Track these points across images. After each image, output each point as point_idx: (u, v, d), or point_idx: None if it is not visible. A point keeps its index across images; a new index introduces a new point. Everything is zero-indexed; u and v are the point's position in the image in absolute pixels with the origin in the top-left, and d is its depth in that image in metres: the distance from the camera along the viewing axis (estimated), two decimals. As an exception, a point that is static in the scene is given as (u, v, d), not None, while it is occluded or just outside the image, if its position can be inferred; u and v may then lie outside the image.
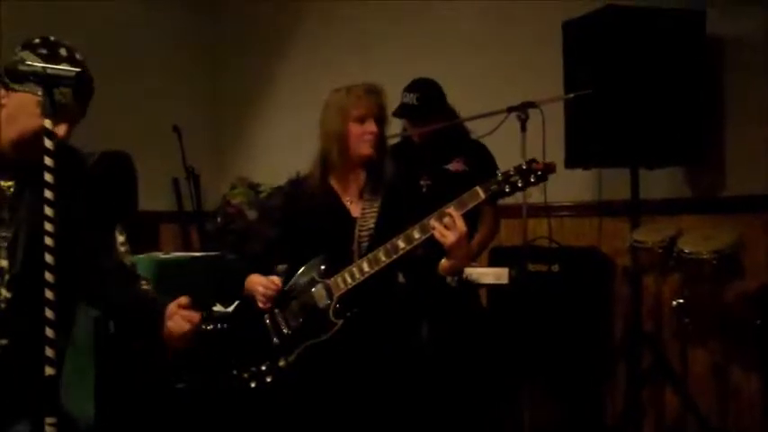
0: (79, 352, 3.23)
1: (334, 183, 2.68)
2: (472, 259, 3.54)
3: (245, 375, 2.59)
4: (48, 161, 1.66)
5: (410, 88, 3.71)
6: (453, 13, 4.83)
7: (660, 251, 3.60)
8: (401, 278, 2.73)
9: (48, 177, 1.66)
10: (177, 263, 4.10)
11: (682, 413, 3.90)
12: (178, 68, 5.68)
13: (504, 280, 3.50)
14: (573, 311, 3.99)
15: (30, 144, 2.00)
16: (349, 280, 2.51)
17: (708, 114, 3.89)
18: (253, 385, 2.58)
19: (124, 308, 2.27)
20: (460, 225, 2.38)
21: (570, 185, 4.12)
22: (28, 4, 4.59)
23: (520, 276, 3.59)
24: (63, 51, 2.04)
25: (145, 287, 2.30)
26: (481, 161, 3.65)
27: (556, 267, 4.06)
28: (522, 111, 3.43)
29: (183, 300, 2.21)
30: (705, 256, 3.46)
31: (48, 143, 1.67)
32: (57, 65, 1.88)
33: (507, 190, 2.42)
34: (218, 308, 3.47)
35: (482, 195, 2.41)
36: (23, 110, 2.02)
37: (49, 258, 1.64)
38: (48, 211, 1.65)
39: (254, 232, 3.13)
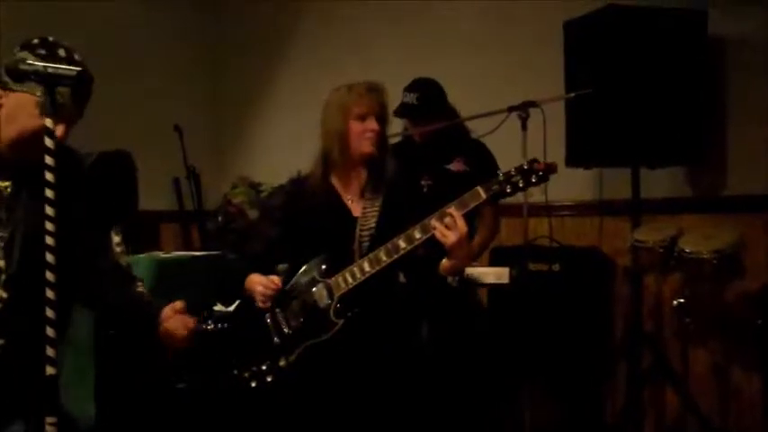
0: (79, 352, 3.23)
1: (335, 181, 2.68)
2: (473, 259, 3.54)
3: (246, 375, 2.58)
4: (49, 160, 1.66)
5: (410, 88, 3.71)
6: (453, 13, 4.82)
7: (661, 251, 3.60)
8: (402, 278, 2.73)
9: (49, 176, 1.66)
10: (178, 262, 4.10)
11: (682, 413, 3.90)
12: (179, 68, 5.68)
13: (505, 279, 3.50)
14: (573, 311, 3.99)
15: (28, 144, 2.00)
16: (350, 280, 2.51)
17: (709, 114, 3.89)
18: (253, 385, 2.57)
19: (120, 309, 2.28)
20: (461, 225, 2.38)
21: (571, 185, 4.12)
22: (28, 4, 4.59)
23: (521, 276, 3.59)
24: (62, 52, 2.04)
25: (140, 289, 2.30)
26: (482, 161, 3.65)
27: (556, 267, 4.06)
28: (522, 110, 3.44)
29: (179, 304, 2.21)
30: (706, 256, 3.46)
31: (48, 142, 1.67)
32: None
33: (508, 190, 2.41)
34: (218, 307, 3.46)
35: (483, 195, 2.41)
36: (22, 110, 2.02)
37: (49, 257, 1.64)
38: (48, 210, 1.65)
39: (255, 232, 3.12)
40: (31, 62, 1.78)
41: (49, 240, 1.65)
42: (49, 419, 1.68)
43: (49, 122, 1.68)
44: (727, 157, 3.99)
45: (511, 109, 3.46)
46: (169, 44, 5.62)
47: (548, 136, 3.37)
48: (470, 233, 2.55)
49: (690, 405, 3.78)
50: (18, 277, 2.05)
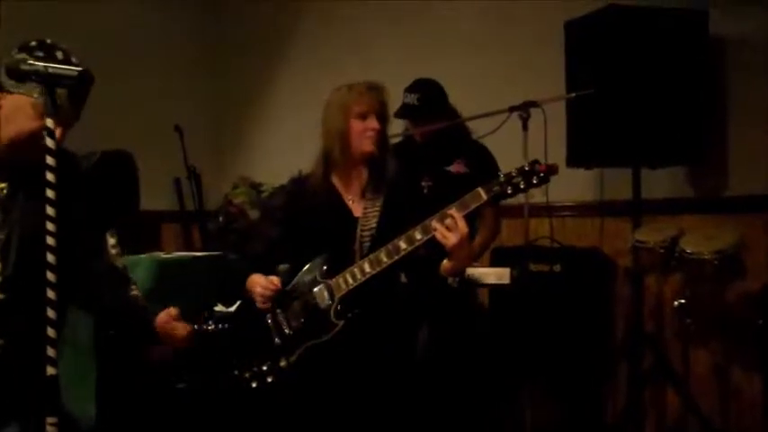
0: (80, 352, 3.23)
1: (336, 181, 2.67)
2: (473, 260, 3.54)
3: (246, 375, 2.58)
4: (50, 160, 1.66)
5: (411, 89, 3.71)
6: (453, 13, 4.82)
7: (662, 251, 3.60)
8: (403, 278, 2.73)
9: (49, 176, 1.66)
10: (179, 262, 4.10)
11: (683, 414, 3.90)
12: (179, 68, 5.67)
13: (506, 280, 3.50)
14: (574, 311, 3.99)
15: (24, 145, 2.01)
16: (350, 281, 2.51)
17: (710, 114, 3.89)
18: (254, 385, 2.57)
19: (115, 311, 2.28)
20: (462, 226, 2.37)
21: (572, 185, 4.11)
22: (28, 4, 4.59)
23: (521, 276, 3.59)
24: (59, 54, 2.04)
25: (134, 292, 2.30)
26: (482, 163, 3.64)
27: (557, 267, 4.06)
28: (523, 110, 3.44)
29: (173, 311, 2.21)
30: (707, 257, 3.46)
31: (49, 142, 1.67)
32: None
33: (509, 191, 2.40)
34: (219, 308, 3.46)
35: (484, 197, 2.40)
36: (19, 111, 2.02)
37: (50, 258, 1.64)
38: (49, 210, 1.65)
39: (256, 232, 3.12)
40: (31, 62, 1.78)
41: (50, 240, 1.64)
42: (50, 419, 1.68)
43: (49, 123, 1.68)
44: (727, 157, 3.99)
45: (512, 109, 3.46)
46: (169, 44, 5.62)
47: (548, 136, 3.37)
48: (471, 234, 2.55)
49: (690, 405, 3.78)
50: (15, 279, 2.05)
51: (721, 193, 4.01)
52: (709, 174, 4.02)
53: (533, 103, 3.46)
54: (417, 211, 2.47)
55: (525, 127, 3.41)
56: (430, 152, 3.70)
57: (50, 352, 1.64)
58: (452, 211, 2.39)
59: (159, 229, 5.52)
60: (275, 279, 2.58)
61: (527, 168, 2.40)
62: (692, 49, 3.77)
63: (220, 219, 5.22)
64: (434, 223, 2.40)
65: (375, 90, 2.63)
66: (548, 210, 3.81)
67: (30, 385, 1.98)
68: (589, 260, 4.17)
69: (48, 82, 1.71)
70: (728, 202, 3.95)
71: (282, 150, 5.06)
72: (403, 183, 2.70)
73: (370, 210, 2.62)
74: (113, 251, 2.28)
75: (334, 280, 2.53)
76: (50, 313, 1.64)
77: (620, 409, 4.06)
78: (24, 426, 2.03)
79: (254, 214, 5.00)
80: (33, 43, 2.04)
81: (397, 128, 3.53)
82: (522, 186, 2.40)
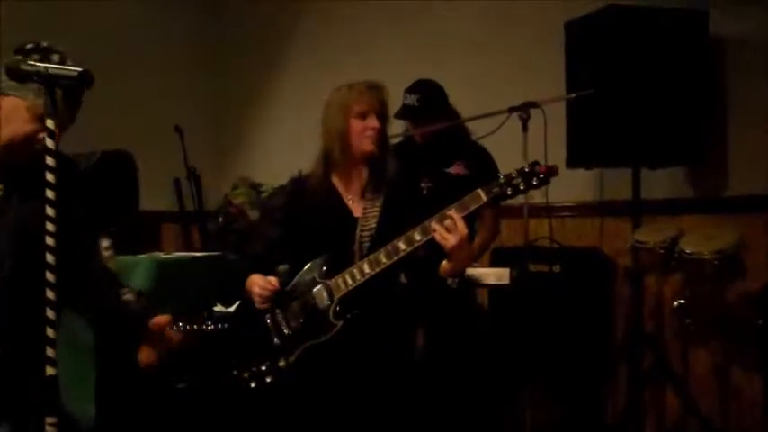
0: (79, 352, 3.22)
1: (336, 181, 2.67)
2: (473, 261, 3.54)
3: (246, 375, 2.58)
4: (49, 160, 1.66)
5: (411, 90, 3.71)
6: (453, 13, 4.82)
7: (661, 251, 3.60)
8: (403, 278, 2.73)
9: (49, 177, 1.66)
10: (178, 263, 4.10)
11: (683, 414, 3.89)
12: (179, 68, 5.67)
13: (506, 280, 3.50)
14: (574, 312, 3.99)
15: (19, 148, 2.01)
16: (349, 281, 2.51)
17: (709, 114, 3.89)
18: (253, 385, 2.57)
19: (109, 314, 2.27)
20: (461, 228, 2.37)
21: (572, 185, 4.11)
22: (28, 4, 4.58)
23: (521, 277, 3.59)
24: (56, 57, 2.03)
25: (127, 296, 2.29)
26: (482, 166, 3.64)
27: (557, 268, 4.06)
28: (523, 111, 3.43)
29: (164, 319, 2.20)
30: (707, 257, 3.46)
31: (49, 143, 1.67)
32: None
33: (509, 193, 2.40)
34: (219, 308, 3.46)
35: (484, 198, 2.39)
36: (15, 114, 2.02)
37: (49, 258, 1.64)
38: (49, 210, 1.65)
39: (256, 232, 3.12)
40: (32, 63, 1.78)
41: (49, 241, 1.64)
42: (49, 419, 1.68)
43: (50, 123, 1.68)
44: (727, 157, 3.99)
45: (512, 109, 3.46)
46: (169, 44, 5.61)
47: (548, 136, 3.37)
48: (471, 235, 2.55)
49: (690, 406, 3.78)
50: (10, 281, 2.05)
51: (721, 194, 4.01)
52: (709, 174, 4.02)
53: (533, 104, 3.46)
54: (417, 211, 2.47)
55: (525, 127, 3.41)
56: (430, 153, 3.70)
57: (50, 352, 1.65)
58: (452, 212, 2.38)
59: (159, 230, 5.52)
60: (273, 279, 2.58)
61: (527, 170, 2.39)
62: (691, 49, 3.77)
63: (220, 219, 5.22)
64: (434, 224, 2.39)
65: (375, 89, 2.63)
66: (547, 210, 3.81)
67: (23, 386, 1.99)
68: (589, 260, 4.17)
69: (48, 82, 1.71)
70: (728, 203, 3.95)
71: (282, 150, 5.06)
72: (403, 183, 2.69)
73: (369, 210, 2.62)
74: (107, 253, 2.28)
75: (333, 280, 2.53)
76: (50, 313, 1.64)
77: (620, 409, 4.06)
78: (16, 426, 2.03)
79: (253, 214, 5.00)
80: (29, 46, 2.03)
81: (396, 128, 3.53)
82: (521, 188, 2.39)
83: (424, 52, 4.84)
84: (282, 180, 2.84)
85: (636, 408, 3.97)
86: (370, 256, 2.48)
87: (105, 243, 2.28)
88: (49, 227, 1.65)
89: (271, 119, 5.75)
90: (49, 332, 1.64)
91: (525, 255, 3.75)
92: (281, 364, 2.55)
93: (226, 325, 2.39)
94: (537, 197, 3.44)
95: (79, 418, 2.43)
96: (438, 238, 2.38)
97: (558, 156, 3.52)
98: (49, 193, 1.65)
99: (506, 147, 3.43)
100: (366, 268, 2.48)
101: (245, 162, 5.75)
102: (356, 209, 2.63)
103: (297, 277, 2.60)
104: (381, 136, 2.62)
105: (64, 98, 1.97)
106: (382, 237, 2.51)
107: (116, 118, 4.87)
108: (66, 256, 1.66)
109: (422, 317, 3.35)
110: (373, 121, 2.59)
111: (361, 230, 2.59)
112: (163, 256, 4.18)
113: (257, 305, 2.58)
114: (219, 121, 5.92)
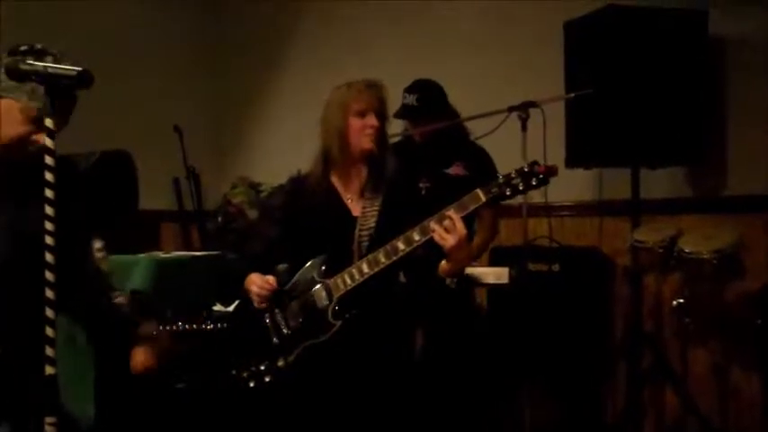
0: (79, 352, 3.22)
1: (335, 180, 2.67)
2: (472, 260, 3.54)
3: (245, 375, 2.58)
4: (48, 160, 1.66)
5: (410, 89, 3.71)
6: (453, 13, 4.82)
7: (661, 251, 3.60)
8: (402, 278, 2.73)
9: (48, 176, 1.66)
10: (178, 262, 4.10)
11: (682, 413, 3.90)
12: (179, 68, 5.68)
13: (505, 279, 3.51)
14: (573, 311, 3.99)
15: (13, 150, 2.01)
16: (348, 281, 2.51)
17: (709, 114, 3.89)
18: (252, 385, 2.57)
19: (101, 314, 2.28)
20: (460, 228, 2.37)
21: (571, 185, 4.12)
22: (28, 4, 4.59)
23: (520, 276, 3.59)
24: (49, 59, 2.02)
25: (118, 300, 2.29)
26: (481, 166, 3.63)
27: (556, 267, 4.06)
28: (523, 110, 3.43)
29: (152, 328, 2.20)
30: (706, 256, 3.46)
31: (49, 142, 1.67)
32: None
33: (508, 193, 2.39)
34: (218, 307, 3.46)
35: (483, 198, 2.39)
36: (7, 116, 2.02)
37: (48, 258, 1.64)
38: (48, 210, 1.65)
39: (255, 232, 3.12)
40: (31, 62, 1.78)
41: (49, 240, 1.64)
42: (49, 419, 1.68)
43: (49, 123, 1.68)
44: (727, 157, 3.99)
45: (511, 109, 3.46)
46: (169, 44, 5.62)
47: (548, 136, 3.37)
48: (469, 235, 2.55)
49: (689, 405, 3.78)
50: (9, 281, 2.05)
51: (720, 193, 4.02)
52: (709, 174, 4.02)
53: (532, 104, 3.46)
54: (416, 211, 2.47)
55: (524, 127, 3.41)
56: (429, 153, 3.70)
57: (49, 351, 1.65)
58: (451, 212, 2.38)
59: (158, 229, 5.52)
60: (271, 278, 2.58)
61: (526, 170, 2.39)
62: (691, 49, 3.77)
63: (219, 219, 5.22)
64: (433, 224, 2.39)
65: (374, 87, 2.63)
66: (546, 209, 3.82)
67: (23, 386, 1.99)
68: (588, 260, 4.17)
69: (47, 82, 1.71)
70: (728, 202, 3.95)
71: (282, 150, 5.06)
72: (402, 182, 2.69)
73: (368, 209, 2.62)
74: (99, 255, 2.28)
75: (332, 280, 2.53)
76: (49, 313, 1.64)
77: (619, 409, 4.07)
78: (16, 426, 2.03)
79: (252, 214, 5.00)
80: (23, 47, 2.03)
81: (396, 128, 3.53)
82: (520, 188, 2.39)
83: (424, 52, 4.84)
84: (282, 179, 2.84)
85: (635, 407, 3.97)
86: (369, 256, 2.48)
87: (98, 244, 2.27)
88: (48, 226, 1.65)
89: (271, 119, 5.75)
90: (49, 331, 1.64)
91: (524, 254, 3.75)
92: (280, 363, 2.55)
93: (225, 324, 2.40)
94: (536, 197, 3.44)
95: (79, 417, 2.44)
96: (437, 238, 2.38)
97: (557, 155, 3.53)
98: (48, 193, 1.65)
99: (506, 146, 3.44)
100: (365, 268, 2.48)
101: (245, 162, 5.75)
102: (355, 208, 2.63)
103: (296, 277, 2.60)
104: (380, 134, 2.61)
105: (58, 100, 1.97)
106: (381, 236, 2.51)
107: (116, 118, 4.87)
108: (64, 255, 1.67)
109: (421, 317, 3.35)
110: (372, 120, 2.59)
111: (360, 230, 2.59)
112: (162, 255, 4.18)
113: (256, 305, 2.58)
114: (219, 121, 5.92)
